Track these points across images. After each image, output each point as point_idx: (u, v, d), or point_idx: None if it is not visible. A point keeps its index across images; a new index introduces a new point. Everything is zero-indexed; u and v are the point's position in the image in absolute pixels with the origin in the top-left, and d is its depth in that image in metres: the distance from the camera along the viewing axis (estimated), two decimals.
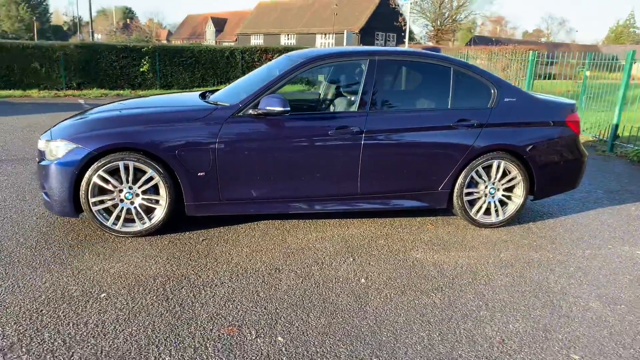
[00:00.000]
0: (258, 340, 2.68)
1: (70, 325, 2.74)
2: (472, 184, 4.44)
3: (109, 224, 3.92)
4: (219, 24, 67.54)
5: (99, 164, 3.79)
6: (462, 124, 4.29)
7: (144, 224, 3.99)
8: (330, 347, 2.65)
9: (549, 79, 12.83)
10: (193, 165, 3.91)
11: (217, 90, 4.92)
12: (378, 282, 3.41)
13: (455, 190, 4.38)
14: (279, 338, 2.70)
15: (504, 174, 4.46)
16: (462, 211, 4.46)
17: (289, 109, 3.93)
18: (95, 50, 16.46)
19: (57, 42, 17.12)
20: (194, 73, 17.89)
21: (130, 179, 3.88)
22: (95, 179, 3.80)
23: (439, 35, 34.86)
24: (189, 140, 3.89)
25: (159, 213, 3.99)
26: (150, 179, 3.90)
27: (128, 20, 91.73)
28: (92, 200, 3.85)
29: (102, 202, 3.89)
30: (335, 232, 4.30)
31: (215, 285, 3.26)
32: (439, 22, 35.31)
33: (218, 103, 4.20)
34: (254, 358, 2.52)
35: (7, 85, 15.24)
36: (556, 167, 4.58)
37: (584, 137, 9.08)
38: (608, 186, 6.12)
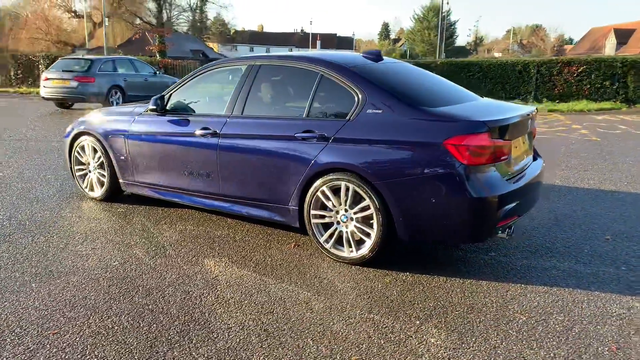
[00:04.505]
0: None
1: None
2: (328, 206, 3.78)
3: (82, 185, 5.40)
4: (623, 36, 59.33)
5: (76, 142, 5.30)
6: (305, 136, 3.73)
7: (98, 191, 5.28)
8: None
9: None
10: (118, 150, 4.93)
11: None
12: (110, 267, 3.66)
13: (305, 209, 3.84)
14: None
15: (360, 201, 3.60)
16: (312, 235, 3.86)
17: (154, 107, 4.50)
18: None
19: None
20: (480, 88, 17.42)
21: (91, 156, 5.23)
22: (74, 153, 5.34)
23: None
24: (114, 131, 4.94)
25: (105, 185, 5.19)
26: (100, 157, 5.15)
27: (533, 37, 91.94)
28: (75, 167, 5.40)
29: (81, 170, 5.39)
30: (204, 229, 4.48)
31: (62, 237, 4.28)
32: None
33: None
34: None
35: None
36: (428, 204, 3.33)
37: None
38: None
